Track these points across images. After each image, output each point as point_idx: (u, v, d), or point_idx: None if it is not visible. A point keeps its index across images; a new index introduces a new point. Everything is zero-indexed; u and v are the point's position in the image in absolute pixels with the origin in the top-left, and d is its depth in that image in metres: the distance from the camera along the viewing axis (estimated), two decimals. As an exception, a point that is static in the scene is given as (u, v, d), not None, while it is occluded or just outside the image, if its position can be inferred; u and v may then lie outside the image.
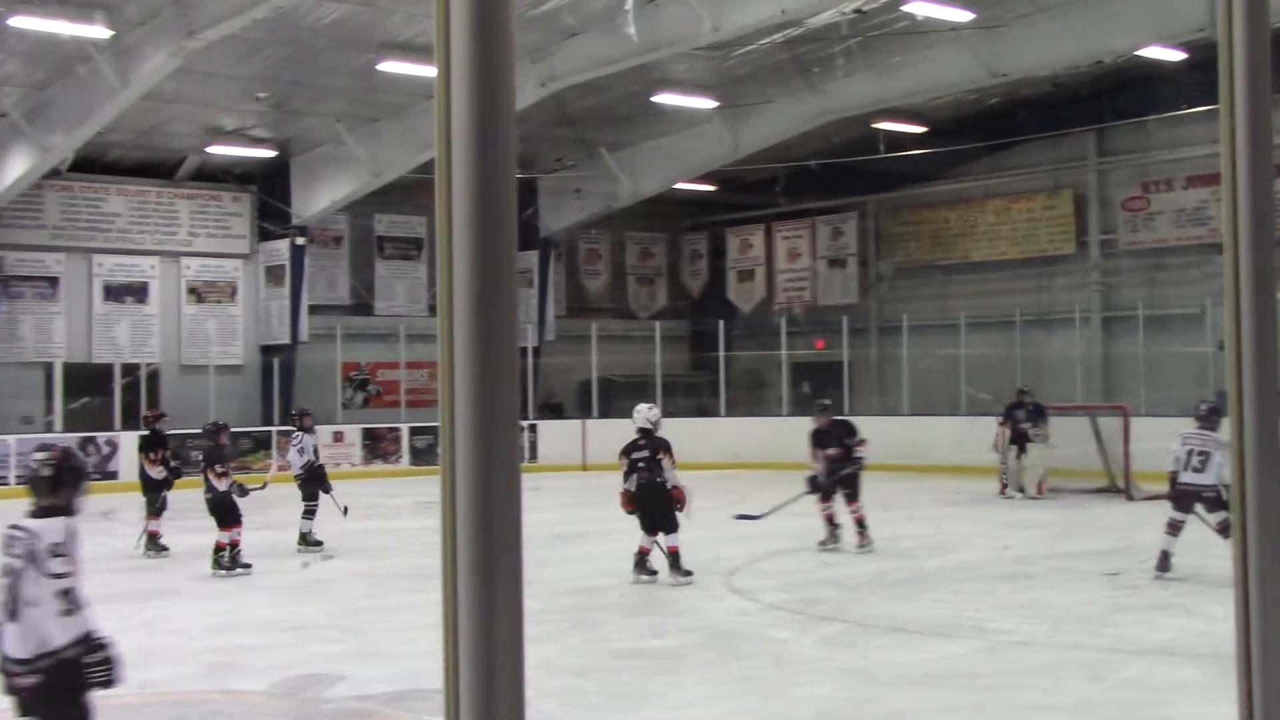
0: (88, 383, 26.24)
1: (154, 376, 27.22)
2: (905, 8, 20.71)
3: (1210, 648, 9.06)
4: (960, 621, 10.69)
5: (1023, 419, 20.67)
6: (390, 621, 11.02)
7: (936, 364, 28.17)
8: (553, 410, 30.49)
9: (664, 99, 25.33)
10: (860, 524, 14.76)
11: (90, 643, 5.23)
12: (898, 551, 14.66)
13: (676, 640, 10.20)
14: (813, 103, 25.59)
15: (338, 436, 26.33)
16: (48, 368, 26.14)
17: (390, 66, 21.63)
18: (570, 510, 19.53)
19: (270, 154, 27.29)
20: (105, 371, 26.43)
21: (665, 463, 13.03)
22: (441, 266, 1.56)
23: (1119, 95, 26.39)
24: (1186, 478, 12.31)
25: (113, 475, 24.26)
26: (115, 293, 27.33)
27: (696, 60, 23.57)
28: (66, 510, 5.38)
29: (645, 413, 13.63)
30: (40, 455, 5.50)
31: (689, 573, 12.88)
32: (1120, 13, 20.87)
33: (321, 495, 15.72)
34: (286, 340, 28.08)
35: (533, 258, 31.03)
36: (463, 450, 1.54)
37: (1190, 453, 12.32)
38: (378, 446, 27.17)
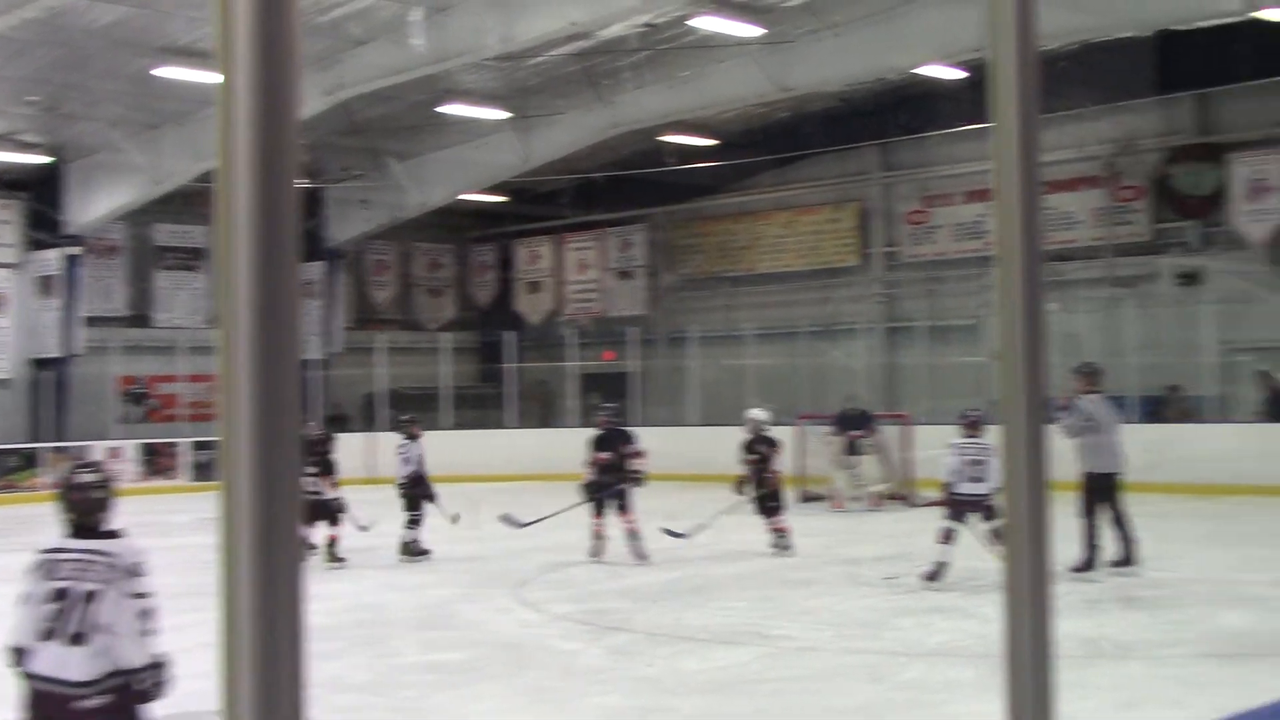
0: None
1: (-83, 390, 26.09)
2: (693, 22, 20.98)
3: (984, 648, 9.36)
4: (746, 628, 10.85)
5: (852, 428, 20.77)
6: (167, 642, 10.71)
7: (724, 374, 28.56)
8: (339, 423, 30.04)
9: (453, 109, 25.20)
10: (633, 535, 14.85)
11: (160, 663, 5.29)
12: (685, 560, 14.80)
13: (465, 653, 10.14)
14: (603, 114, 25.72)
15: (113, 452, 25.53)
16: None
17: (170, 72, 21.07)
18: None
19: (43, 160, 26.32)
20: None
21: None
22: (221, 278, 1.53)
23: (902, 111, 27.11)
24: (966, 488, 12.66)
25: (-127, 493, 23.18)
26: (-126, 302, 26.12)
27: (486, 71, 23.52)
28: (112, 530, 5.36)
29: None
30: (89, 475, 5.40)
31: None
32: (903, 31, 21.45)
33: (426, 505, 15.60)
34: (59, 353, 27.12)
35: (319, 269, 30.57)
36: (243, 465, 1.51)
37: (968, 462, 12.69)
38: (156, 462, 26.43)
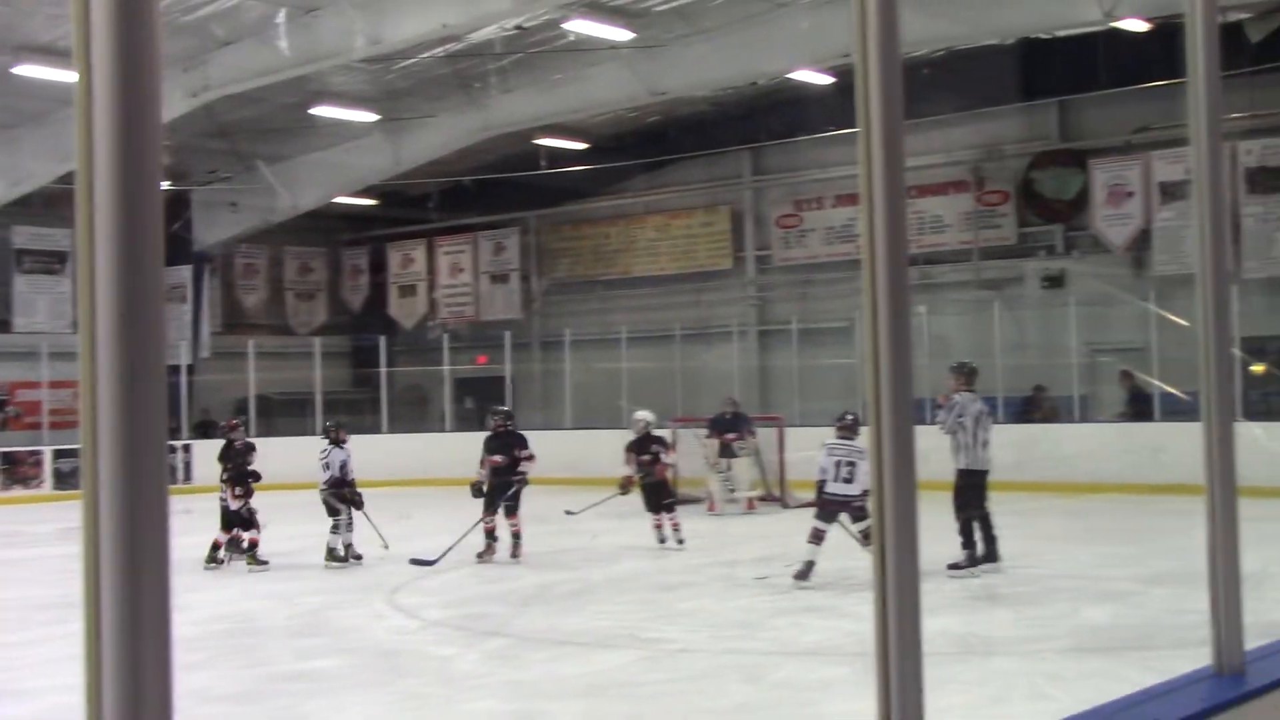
0: None
1: None
2: (566, 25, 20.98)
3: (857, 647, 9.47)
4: (623, 632, 10.85)
5: (726, 430, 20.64)
6: (30, 655, 10.47)
7: (598, 378, 28.56)
8: (208, 430, 29.55)
9: (323, 111, 24.93)
10: (516, 537, 15.18)
11: None
12: (561, 564, 14.80)
13: (338, 661, 10.02)
14: (475, 118, 25.62)
15: (-26, 461, 24.89)
16: None
17: (29, 70, 20.57)
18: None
19: (-104, 160, 25.57)
20: None
21: None
22: (82, 282, 1.50)
23: (772, 116, 27.35)
24: (835, 488, 12.83)
25: None
26: None
27: (356, 73, 23.31)
28: None
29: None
30: None
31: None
32: (773, 36, 21.65)
33: (352, 510, 15.44)
34: (-85, 360, 26.39)
35: (186, 272, 30.04)
36: (107, 473, 1.48)
37: (838, 463, 12.85)
38: (17, 471, 25.77)
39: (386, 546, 15.65)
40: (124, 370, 1.48)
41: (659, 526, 15.92)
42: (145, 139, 1.49)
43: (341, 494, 15.43)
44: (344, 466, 15.59)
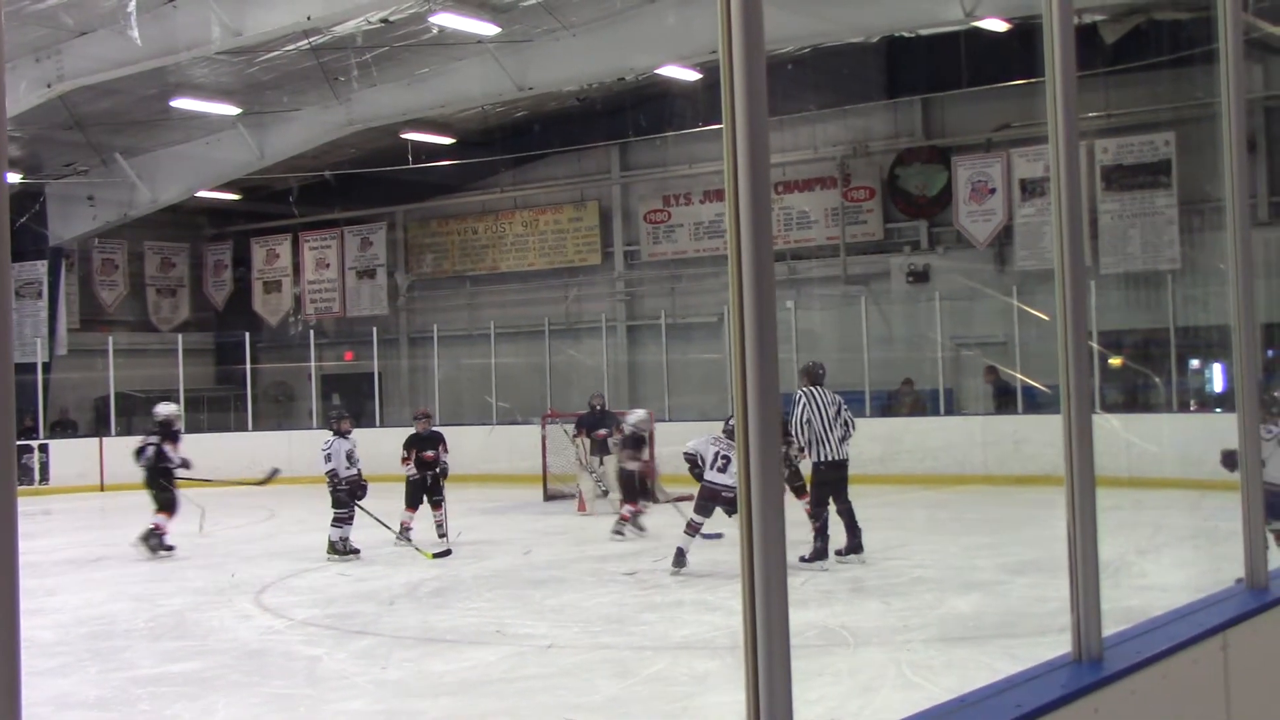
0: None
1: None
2: (432, 19, 20.83)
3: (729, 640, 9.54)
4: (493, 628, 10.81)
5: (596, 427, 20.45)
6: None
7: (467, 374, 28.44)
8: (66, 428, 28.90)
9: (184, 104, 24.46)
10: (441, 525, 15.90)
11: None
12: (430, 561, 14.70)
13: (203, 663, 9.84)
14: (340, 111, 25.33)
15: None
16: None
17: None
18: (86, 534, 18.58)
19: None
20: None
21: None
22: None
23: (640, 111, 27.42)
24: (711, 476, 13.01)
25: None
26: None
27: (219, 65, 22.88)
28: None
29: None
30: None
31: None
32: (640, 32, 21.71)
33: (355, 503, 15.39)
34: None
35: (42, 268, 29.31)
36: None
37: (717, 454, 13.04)
38: None
39: (399, 539, 15.79)
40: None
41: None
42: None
43: (344, 486, 15.21)
44: (350, 457, 15.37)
